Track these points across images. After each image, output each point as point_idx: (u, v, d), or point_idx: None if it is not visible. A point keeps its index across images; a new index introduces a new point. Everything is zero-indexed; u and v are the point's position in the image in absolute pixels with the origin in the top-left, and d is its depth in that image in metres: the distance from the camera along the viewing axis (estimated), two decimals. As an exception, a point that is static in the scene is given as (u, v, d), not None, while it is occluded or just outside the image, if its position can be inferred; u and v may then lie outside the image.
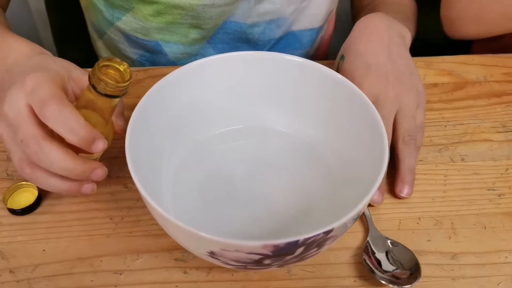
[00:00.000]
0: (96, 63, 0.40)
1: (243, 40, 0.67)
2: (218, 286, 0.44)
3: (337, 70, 0.57)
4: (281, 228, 0.47)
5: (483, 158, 0.55)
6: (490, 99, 0.61)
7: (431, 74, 0.64)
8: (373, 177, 0.41)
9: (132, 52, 0.69)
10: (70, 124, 0.39)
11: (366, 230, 0.48)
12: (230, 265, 0.40)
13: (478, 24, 0.67)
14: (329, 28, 0.78)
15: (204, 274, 0.45)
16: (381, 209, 0.50)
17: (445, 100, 0.61)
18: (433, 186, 0.52)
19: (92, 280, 0.44)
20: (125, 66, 0.42)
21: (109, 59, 0.41)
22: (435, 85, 0.63)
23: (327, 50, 0.82)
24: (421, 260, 0.45)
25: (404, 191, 0.50)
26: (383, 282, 0.43)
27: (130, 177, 0.39)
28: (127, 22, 0.64)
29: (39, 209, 0.49)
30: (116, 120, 0.46)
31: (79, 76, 0.45)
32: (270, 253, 0.37)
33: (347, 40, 0.58)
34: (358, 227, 0.48)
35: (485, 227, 0.49)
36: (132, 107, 0.45)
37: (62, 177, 0.42)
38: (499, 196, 0.51)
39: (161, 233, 0.47)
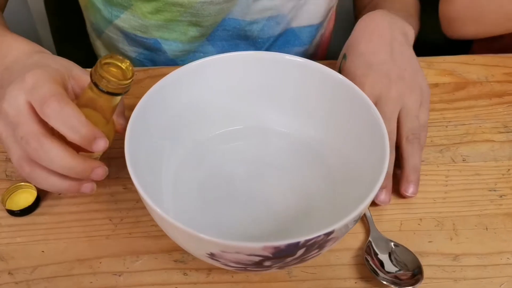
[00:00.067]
0: (98, 60, 0.40)
1: (242, 37, 0.67)
2: (218, 287, 0.44)
3: (340, 70, 0.57)
4: (281, 229, 0.46)
5: (485, 159, 0.54)
6: (492, 99, 0.61)
7: (432, 74, 0.64)
8: (374, 178, 0.41)
9: (131, 50, 0.69)
10: (71, 121, 0.39)
11: (367, 231, 0.48)
12: (230, 267, 0.39)
13: (477, 24, 0.67)
14: (329, 25, 0.77)
15: (204, 275, 0.45)
16: (382, 210, 0.50)
17: (446, 100, 0.61)
18: (435, 187, 0.52)
19: (91, 282, 0.44)
20: (127, 63, 0.41)
21: (111, 57, 0.41)
22: (436, 85, 0.62)
23: (327, 49, 0.82)
24: (423, 262, 0.45)
25: (409, 190, 0.49)
26: (385, 283, 0.43)
27: (130, 178, 0.39)
28: (126, 20, 0.64)
29: (38, 210, 0.48)
30: (117, 119, 0.46)
31: (79, 74, 0.45)
32: (270, 255, 0.36)
33: (349, 39, 0.57)
34: (359, 228, 0.48)
35: (486, 228, 0.49)
36: (131, 107, 0.44)
37: (62, 175, 0.41)
38: (501, 197, 0.51)
39: (161, 234, 0.46)
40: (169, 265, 0.45)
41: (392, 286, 0.42)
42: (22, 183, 0.49)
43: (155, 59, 0.69)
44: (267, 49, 0.69)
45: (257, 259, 0.37)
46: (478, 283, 0.45)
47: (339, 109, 0.49)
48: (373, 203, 0.49)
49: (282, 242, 0.35)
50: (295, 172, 0.51)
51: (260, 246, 0.35)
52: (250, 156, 0.52)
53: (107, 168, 0.43)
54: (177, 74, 0.48)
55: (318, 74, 0.50)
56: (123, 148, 0.41)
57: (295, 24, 0.68)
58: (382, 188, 0.49)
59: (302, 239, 0.35)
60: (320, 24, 0.71)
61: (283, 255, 0.37)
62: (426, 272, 0.44)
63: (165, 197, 0.47)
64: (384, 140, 0.43)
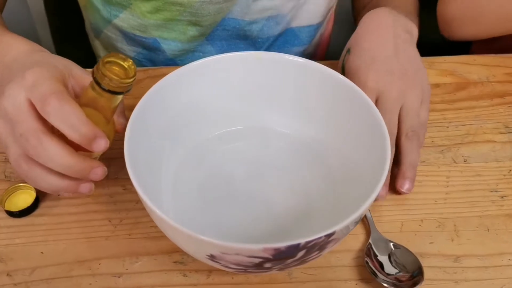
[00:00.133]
0: (101, 59, 0.40)
1: (242, 37, 0.67)
2: (218, 289, 0.44)
3: (343, 64, 0.57)
4: (282, 229, 0.46)
5: (486, 159, 0.54)
6: (493, 99, 0.61)
7: (433, 74, 0.64)
8: (375, 178, 0.41)
9: (130, 50, 0.68)
10: (72, 120, 0.38)
11: (368, 232, 0.48)
12: (230, 268, 0.39)
13: (476, 25, 0.67)
14: (328, 25, 0.77)
15: (204, 277, 0.44)
16: (383, 211, 0.49)
17: (447, 101, 0.60)
18: (435, 188, 0.52)
19: (90, 283, 0.44)
20: (130, 62, 0.41)
21: (114, 55, 0.41)
22: (437, 85, 0.62)
23: (327, 49, 0.82)
24: (424, 263, 0.45)
25: (405, 186, 0.50)
26: (385, 285, 0.42)
27: (129, 179, 0.39)
28: (125, 19, 0.63)
29: (37, 211, 0.48)
30: (117, 119, 0.46)
31: (79, 74, 0.45)
32: (270, 257, 0.36)
33: (353, 35, 0.58)
34: (359, 229, 0.48)
35: (488, 229, 0.48)
36: (131, 108, 0.44)
37: (60, 175, 0.41)
38: (502, 197, 0.51)
39: (161, 235, 0.46)
40: (169, 267, 0.45)
41: (392, 288, 0.42)
42: (21, 184, 0.49)
43: (154, 59, 0.68)
44: (267, 49, 0.69)
45: (257, 260, 0.37)
46: (479, 284, 0.44)
47: (339, 109, 0.49)
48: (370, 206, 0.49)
49: (283, 244, 0.35)
50: (295, 172, 0.51)
51: (260, 247, 0.35)
52: (250, 156, 0.52)
53: (106, 169, 0.42)
54: (176, 74, 0.48)
55: (318, 74, 0.49)
56: (122, 148, 0.41)
57: (294, 24, 0.68)
58: (407, 178, 0.50)
59: (302, 240, 0.35)
60: (320, 24, 0.71)
61: (284, 257, 0.37)
62: (427, 273, 0.44)
63: (165, 197, 0.47)
64: (385, 140, 0.43)
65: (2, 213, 0.48)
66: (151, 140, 0.46)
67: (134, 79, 0.41)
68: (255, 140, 0.53)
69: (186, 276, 0.44)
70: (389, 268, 0.44)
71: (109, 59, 0.40)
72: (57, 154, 0.39)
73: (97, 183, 0.50)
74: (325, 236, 0.36)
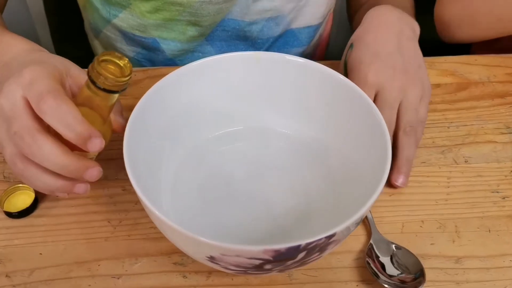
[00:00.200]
0: (96, 57, 0.39)
1: (241, 37, 0.66)
2: (218, 290, 0.44)
3: (345, 59, 0.57)
4: (282, 230, 0.46)
5: (487, 160, 0.54)
6: (494, 99, 0.61)
7: (434, 74, 0.63)
8: (375, 178, 0.41)
9: (129, 50, 0.68)
10: (67, 119, 0.38)
11: (368, 233, 0.47)
12: (230, 270, 0.39)
13: (471, 28, 0.67)
14: (327, 26, 0.77)
15: (204, 278, 0.44)
16: (384, 212, 0.49)
17: (448, 101, 0.60)
18: (436, 189, 0.51)
19: (89, 285, 0.43)
20: (126, 61, 0.41)
21: (109, 54, 0.40)
22: (438, 85, 0.62)
23: (326, 49, 0.82)
24: (425, 264, 0.44)
25: (399, 180, 0.50)
26: (387, 286, 0.42)
27: (129, 179, 0.39)
28: (124, 19, 0.63)
29: (36, 212, 0.48)
30: (115, 118, 0.45)
31: (77, 73, 0.44)
32: (271, 258, 0.36)
33: (357, 30, 0.58)
34: (360, 231, 0.48)
35: (489, 230, 0.48)
36: (130, 108, 0.44)
37: (55, 174, 0.40)
38: (503, 198, 0.51)
39: (160, 236, 0.46)
40: (169, 268, 0.45)
41: (394, 289, 0.42)
42: (20, 185, 0.49)
43: (154, 59, 0.68)
44: (266, 50, 0.69)
45: (257, 262, 0.36)
46: (481, 286, 0.44)
47: (339, 109, 0.49)
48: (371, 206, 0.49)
49: (283, 246, 0.35)
50: (295, 172, 0.50)
51: (261, 249, 0.35)
52: (250, 157, 0.52)
53: (101, 169, 0.41)
54: (176, 75, 0.48)
55: (318, 74, 0.49)
56: (122, 149, 0.41)
57: (294, 25, 0.68)
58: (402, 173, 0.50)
59: (303, 242, 0.35)
60: (319, 25, 0.71)
61: (284, 258, 0.36)
62: (428, 274, 0.44)
63: (164, 198, 0.47)
64: (385, 140, 0.43)
65: (1, 214, 0.47)
66: (151, 140, 0.46)
67: (130, 77, 0.40)
68: (255, 140, 0.53)
69: (186, 278, 0.44)
70: (391, 270, 0.44)
71: (105, 57, 0.40)
72: (51, 153, 0.39)
73: (96, 184, 0.50)
74: (326, 237, 0.36)
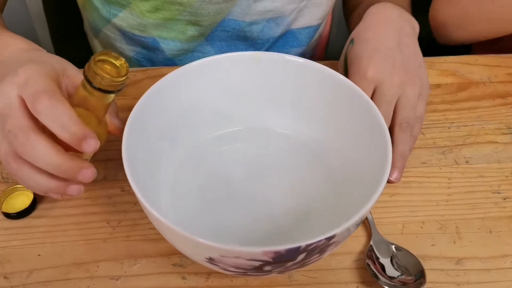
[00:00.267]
0: (92, 57, 0.39)
1: (242, 38, 0.66)
2: (217, 292, 0.43)
3: (346, 54, 0.57)
4: (282, 231, 0.46)
5: (488, 161, 0.54)
6: (495, 100, 0.60)
7: (434, 74, 0.63)
8: (376, 178, 0.40)
9: (129, 50, 0.68)
10: (62, 119, 0.38)
11: (369, 235, 0.47)
12: (229, 271, 0.39)
13: (462, 30, 0.68)
14: (327, 26, 0.77)
15: (203, 279, 0.44)
16: (384, 213, 0.49)
17: (449, 101, 0.60)
18: (437, 189, 0.51)
19: (88, 286, 0.43)
20: (122, 61, 0.40)
21: (105, 53, 0.40)
22: (438, 85, 0.62)
23: (325, 49, 0.82)
24: (425, 265, 0.44)
25: (393, 175, 0.50)
26: (386, 287, 0.42)
27: (128, 180, 0.38)
28: (124, 18, 0.63)
29: (34, 213, 0.48)
30: (110, 119, 0.45)
31: (74, 74, 0.44)
32: (270, 260, 0.36)
33: (357, 27, 0.58)
34: (360, 232, 0.48)
35: (490, 231, 0.48)
36: (130, 108, 0.44)
37: (49, 174, 0.40)
38: (505, 199, 0.50)
39: (159, 238, 0.46)
40: (168, 269, 0.44)
41: (395, 291, 0.42)
42: (19, 186, 0.48)
43: (153, 58, 0.68)
44: (266, 50, 0.69)
45: (257, 263, 0.36)
46: (481, 287, 0.44)
47: (339, 109, 0.49)
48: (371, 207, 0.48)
49: (283, 247, 0.34)
50: (295, 172, 0.50)
51: (260, 251, 0.34)
52: (250, 157, 0.52)
53: (95, 170, 0.41)
54: (175, 75, 0.47)
55: (318, 74, 0.49)
56: (121, 149, 0.41)
57: (295, 26, 0.68)
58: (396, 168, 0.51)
59: (303, 243, 0.35)
60: (319, 25, 0.71)
61: (284, 260, 0.36)
62: (429, 276, 0.44)
63: (164, 199, 0.46)
64: (385, 140, 0.42)
65: (-1, 214, 0.47)
66: (150, 140, 0.46)
67: (126, 77, 0.40)
68: (254, 141, 0.53)
69: (185, 279, 0.44)
70: (391, 271, 0.43)
71: (101, 57, 0.40)
72: (45, 153, 0.38)
73: (95, 185, 0.50)
74: (326, 239, 0.35)
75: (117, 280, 0.44)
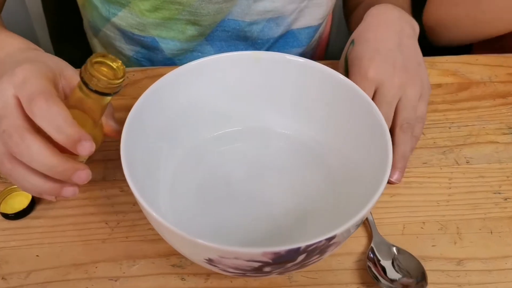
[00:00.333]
0: (89, 59, 0.39)
1: (241, 38, 0.66)
2: (217, 293, 0.43)
3: (346, 55, 0.57)
4: (282, 231, 0.46)
5: (489, 161, 0.53)
6: (495, 100, 0.60)
7: (435, 74, 0.63)
8: (376, 178, 0.40)
9: (128, 49, 0.68)
10: (57, 121, 0.37)
11: (369, 235, 0.47)
12: (228, 272, 0.38)
13: (453, 31, 0.69)
14: (327, 26, 0.77)
15: (202, 280, 0.44)
16: (384, 213, 0.49)
17: (449, 101, 0.60)
18: (438, 190, 0.51)
19: (87, 287, 0.43)
20: (119, 63, 0.40)
21: (102, 55, 0.39)
22: (439, 85, 0.61)
23: (325, 49, 0.81)
24: (426, 266, 0.44)
25: (394, 176, 0.50)
26: None
27: (127, 180, 0.38)
28: (123, 17, 0.63)
29: (32, 214, 0.47)
30: (106, 121, 0.45)
31: (71, 75, 0.44)
32: (270, 261, 0.35)
33: (358, 28, 0.58)
34: (360, 232, 0.47)
35: (491, 232, 0.48)
36: (128, 108, 0.43)
37: (43, 176, 0.40)
38: (506, 199, 0.50)
39: (158, 238, 0.45)
40: (167, 270, 0.44)
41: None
42: (17, 186, 0.48)
43: (153, 58, 0.68)
44: (267, 50, 0.69)
45: (256, 264, 0.36)
46: (482, 288, 0.44)
47: (340, 109, 0.49)
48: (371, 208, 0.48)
49: (282, 248, 0.34)
50: (295, 172, 0.50)
51: (260, 252, 0.34)
52: (250, 157, 0.51)
53: (90, 172, 0.40)
54: (174, 75, 0.47)
55: (318, 74, 0.49)
56: (119, 149, 0.40)
57: (295, 26, 0.68)
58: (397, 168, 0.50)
59: (302, 244, 0.34)
60: (319, 26, 0.71)
61: (283, 261, 0.36)
62: (430, 277, 0.43)
63: (163, 199, 0.46)
64: (386, 140, 0.42)
65: (-3, 215, 0.47)
66: (149, 140, 0.46)
67: (123, 80, 0.40)
68: (254, 141, 0.53)
69: (184, 280, 0.44)
70: (392, 273, 0.43)
71: (98, 59, 0.39)
72: (40, 153, 0.38)
73: (94, 185, 0.49)
74: (326, 239, 0.35)
75: (115, 281, 0.43)
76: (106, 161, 0.51)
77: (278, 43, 0.69)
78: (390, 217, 0.49)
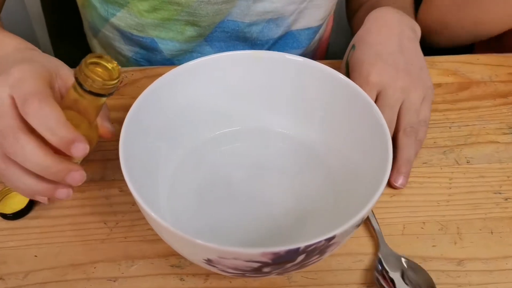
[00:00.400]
0: (83, 59, 0.38)
1: (241, 38, 0.66)
2: (216, 293, 0.43)
3: (347, 60, 0.56)
4: (281, 232, 0.45)
5: (489, 161, 0.53)
6: (496, 99, 0.60)
7: (435, 74, 0.63)
8: (376, 179, 0.40)
9: (127, 50, 0.68)
10: (50, 122, 0.37)
11: (370, 235, 0.47)
12: (228, 273, 0.38)
13: (443, 34, 0.69)
14: (328, 28, 0.77)
15: (201, 281, 0.43)
16: (384, 213, 0.48)
17: (450, 101, 0.60)
18: (438, 190, 0.51)
19: (85, 288, 0.43)
20: (114, 64, 0.40)
21: (97, 56, 0.39)
22: (439, 85, 0.61)
23: (326, 51, 0.81)
24: (426, 267, 0.44)
25: (399, 181, 0.50)
26: None
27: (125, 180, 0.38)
28: (122, 18, 0.63)
29: (31, 214, 0.47)
30: (102, 123, 0.44)
31: (67, 75, 0.44)
32: (269, 261, 0.35)
33: (359, 31, 0.58)
34: (361, 232, 0.47)
35: (492, 232, 0.47)
36: (127, 108, 0.43)
37: (37, 176, 0.39)
38: (506, 199, 0.50)
39: (157, 238, 0.45)
40: (166, 270, 0.44)
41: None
42: (15, 186, 0.48)
43: (152, 59, 0.68)
44: None
45: (255, 265, 0.36)
46: (483, 288, 0.43)
47: (340, 109, 0.48)
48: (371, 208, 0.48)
49: (282, 248, 0.34)
50: (295, 173, 0.50)
51: (259, 252, 0.34)
52: (249, 158, 0.51)
53: (84, 173, 0.40)
54: (173, 74, 0.47)
55: (318, 74, 0.49)
56: (118, 149, 0.40)
57: (295, 27, 0.68)
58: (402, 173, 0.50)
59: (302, 244, 0.34)
60: (319, 27, 0.70)
61: (283, 261, 0.36)
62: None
63: (162, 199, 0.46)
64: (386, 140, 0.42)
65: (-4, 215, 0.47)
66: (148, 140, 0.45)
67: (118, 81, 0.39)
68: (254, 141, 0.52)
69: (183, 280, 0.43)
70: (402, 286, 0.42)
71: (93, 60, 0.39)
72: (33, 154, 0.37)
73: (93, 185, 0.49)
74: (326, 240, 0.35)
75: (114, 281, 0.43)
76: (105, 161, 0.51)
77: (277, 44, 0.69)
78: (390, 217, 0.48)
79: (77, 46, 0.80)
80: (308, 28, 0.69)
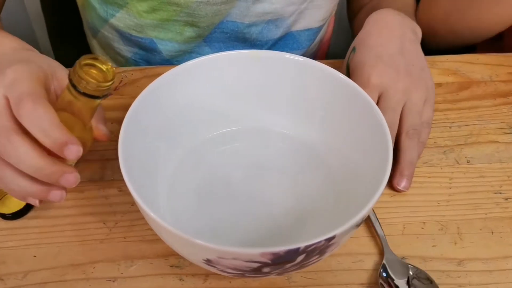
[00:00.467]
0: (78, 61, 0.38)
1: (240, 39, 0.66)
2: (216, 293, 0.43)
3: (348, 62, 0.56)
4: (281, 232, 0.45)
5: (490, 160, 0.53)
6: (496, 99, 0.60)
7: (435, 73, 0.63)
8: (376, 179, 0.40)
9: (126, 50, 0.67)
10: (43, 124, 0.37)
11: (370, 235, 0.47)
12: (227, 273, 0.38)
13: (431, 38, 0.69)
14: (329, 29, 0.77)
15: (201, 281, 0.43)
16: (384, 213, 0.48)
17: (450, 101, 0.59)
18: (438, 190, 0.50)
19: (84, 288, 0.43)
20: (109, 66, 0.39)
21: (91, 57, 0.39)
22: (439, 85, 0.61)
23: (327, 52, 0.81)
24: (426, 267, 0.44)
25: (402, 184, 0.49)
26: None
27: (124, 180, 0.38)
28: (121, 19, 0.63)
29: (30, 214, 0.47)
30: (96, 125, 0.44)
31: (64, 76, 0.43)
32: (269, 261, 0.35)
33: (359, 34, 0.58)
34: (361, 232, 0.47)
35: (492, 232, 0.47)
36: (126, 108, 0.43)
37: (31, 178, 0.39)
38: (506, 199, 0.50)
39: (156, 238, 0.45)
40: (165, 271, 0.44)
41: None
42: (14, 186, 0.48)
43: (151, 59, 0.67)
44: None
45: (255, 265, 0.36)
46: (483, 289, 0.43)
47: (340, 108, 0.48)
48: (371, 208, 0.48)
49: (281, 248, 0.34)
50: (294, 173, 0.50)
51: (258, 252, 0.34)
52: (249, 158, 0.51)
53: (78, 175, 0.40)
54: (172, 74, 0.47)
55: (319, 73, 0.49)
56: (117, 149, 0.40)
57: (295, 28, 0.68)
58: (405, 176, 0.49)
59: (302, 245, 0.34)
60: (320, 28, 0.70)
61: (282, 261, 0.36)
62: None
63: (161, 200, 0.46)
64: (386, 140, 0.42)
65: (-5, 215, 0.47)
66: (147, 140, 0.45)
67: (113, 83, 0.39)
68: (253, 141, 0.52)
69: (183, 280, 0.43)
70: None
71: (87, 61, 0.38)
72: (27, 155, 0.37)
73: (92, 185, 0.49)
74: (325, 240, 0.35)
75: (113, 281, 0.43)
76: (104, 161, 0.51)
77: (277, 45, 0.69)
78: (390, 217, 0.48)
79: (77, 47, 0.80)
80: (309, 29, 0.69)
